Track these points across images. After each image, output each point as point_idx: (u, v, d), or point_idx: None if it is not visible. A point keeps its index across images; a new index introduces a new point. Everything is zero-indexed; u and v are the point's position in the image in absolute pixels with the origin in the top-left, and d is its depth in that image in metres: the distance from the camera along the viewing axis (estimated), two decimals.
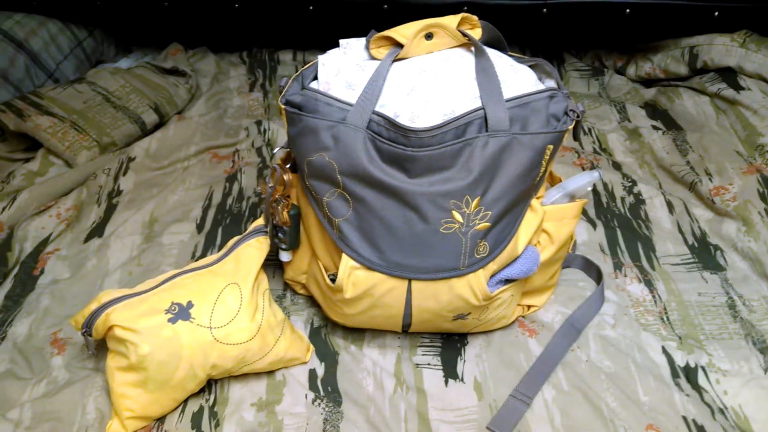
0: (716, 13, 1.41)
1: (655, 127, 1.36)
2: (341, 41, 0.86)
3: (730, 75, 1.38)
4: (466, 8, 1.43)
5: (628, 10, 1.41)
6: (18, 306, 0.99)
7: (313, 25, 1.55)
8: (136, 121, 1.38)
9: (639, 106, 1.46)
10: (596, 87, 1.56)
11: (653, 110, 1.43)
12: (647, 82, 1.55)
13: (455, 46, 0.83)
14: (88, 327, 0.80)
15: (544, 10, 1.43)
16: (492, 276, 0.83)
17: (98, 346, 0.88)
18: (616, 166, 1.27)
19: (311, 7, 1.51)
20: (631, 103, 1.47)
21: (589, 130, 1.39)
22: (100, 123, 1.34)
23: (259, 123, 1.43)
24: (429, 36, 0.81)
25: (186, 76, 1.57)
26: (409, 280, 0.79)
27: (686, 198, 1.18)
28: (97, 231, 1.14)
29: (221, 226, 1.14)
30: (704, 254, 1.05)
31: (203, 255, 1.08)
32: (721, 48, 1.40)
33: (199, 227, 1.14)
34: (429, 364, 0.88)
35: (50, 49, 1.57)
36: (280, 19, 1.57)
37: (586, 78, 1.58)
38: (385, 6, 1.46)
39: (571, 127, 0.81)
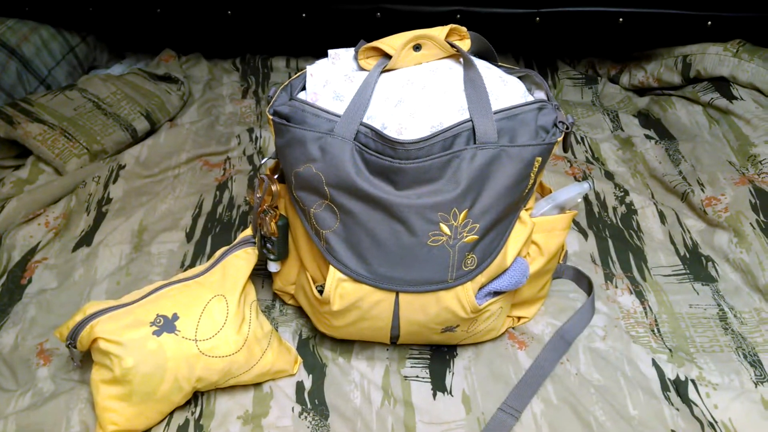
0: (709, 23, 1.41)
1: (647, 137, 1.36)
2: (330, 51, 0.85)
3: (723, 84, 1.38)
4: (458, 16, 1.43)
5: (621, 19, 1.41)
6: (5, 316, 0.99)
7: (307, 33, 1.55)
8: (126, 129, 1.38)
9: (632, 115, 1.46)
10: (590, 95, 1.56)
11: (646, 119, 1.43)
12: (640, 90, 1.55)
13: (444, 58, 0.82)
14: (72, 339, 0.79)
15: (537, 18, 1.43)
16: (480, 288, 0.82)
17: (84, 358, 0.87)
18: (609, 175, 1.27)
19: (304, 15, 1.50)
20: (624, 112, 1.47)
21: (582, 138, 1.38)
22: (91, 130, 1.33)
23: (251, 131, 1.42)
24: (417, 47, 0.80)
25: (178, 83, 1.56)
26: (397, 293, 0.79)
27: (678, 208, 1.17)
28: (86, 240, 1.13)
29: (211, 235, 1.13)
30: (696, 265, 1.05)
31: (192, 264, 1.07)
32: (714, 57, 1.40)
33: (189, 236, 1.13)
34: (417, 376, 0.87)
35: (42, 55, 1.56)
36: (274, 26, 1.57)
37: (579, 86, 1.58)
38: (378, 14, 1.45)
39: (560, 139, 0.81)
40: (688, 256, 1.07)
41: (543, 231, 0.87)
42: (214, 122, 1.48)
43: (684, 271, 1.04)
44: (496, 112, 0.77)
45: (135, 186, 1.27)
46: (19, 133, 1.27)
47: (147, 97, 1.46)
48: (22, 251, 1.10)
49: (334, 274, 0.79)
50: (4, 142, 1.32)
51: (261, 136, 1.40)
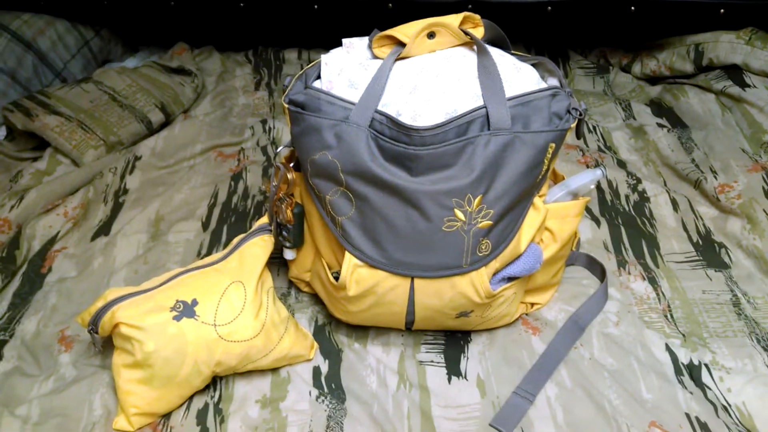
0: (722, 11, 1.40)
1: (660, 125, 1.36)
2: (344, 40, 0.86)
3: (735, 72, 1.38)
4: (470, 6, 1.43)
5: (632, 8, 1.41)
6: (26, 304, 1.00)
7: (319, 24, 1.56)
8: (142, 120, 1.39)
9: (644, 104, 1.46)
10: (601, 85, 1.56)
11: (658, 108, 1.43)
12: (653, 79, 1.55)
13: (457, 45, 0.83)
14: (94, 324, 0.81)
15: (549, 8, 1.43)
16: (495, 274, 0.83)
17: (105, 344, 0.89)
18: (621, 164, 1.27)
19: (316, 6, 1.51)
20: (636, 101, 1.47)
21: (594, 128, 1.39)
22: (107, 122, 1.35)
23: (264, 122, 1.43)
24: (431, 35, 0.81)
25: (192, 75, 1.58)
26: (412, 278, 0.80)
27: (691, 196, 1.17)
28: (104, 229, 1.15)
29: (226, 224, 1.15)
30: (709, 252, 1.05)
31: (209, 253, 1.09)
32: (727, 45, 1.40)
33: (205, 225, 1.15)
34: (432, 361, 0.88)
35: (58, 48, 1.58)
36: (286, 18, 1.58)
37: (591, 75, 1.58)
38: (390, 5, 1.46)
39: (573, 125, 0.81)
40: (701, 242, 1.07)
41: (556, 217, 0.88)
42: (228, 114, 1.49)
43: (697, 258, 1.04)
44: (509, 99, 0.77)
45: (151, 177, 1.28)
46: (37, 125, 1.29)
47: (161, 90, 1.48)
48: (41, 241, 1.12)
49: (350, 260, 0.80)
50: (22, 134, 1.34)
51: (274, 127, 1.42)
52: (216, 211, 1.19)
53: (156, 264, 1.06)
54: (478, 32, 0.84)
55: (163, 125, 1.44)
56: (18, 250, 1.10)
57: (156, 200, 1.21)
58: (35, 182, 1.24)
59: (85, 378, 0.86)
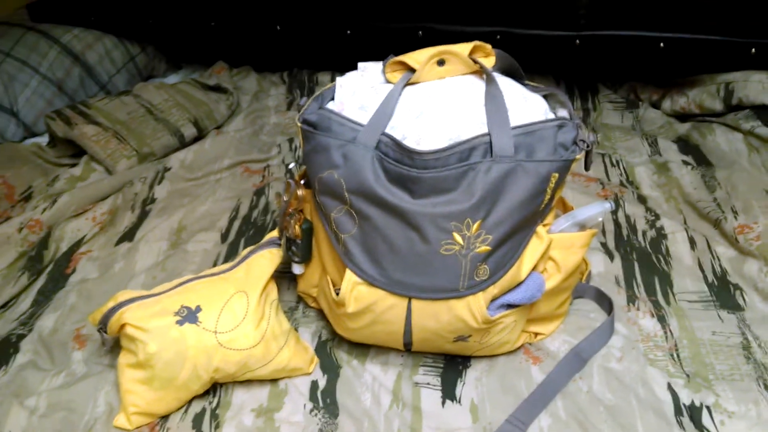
0: (753, 50, 1.39)
1: (685, 162, 1.35)
2: (360, 64, 0.89)
3: (765, 112, 1.35)
4: (498, 37, 1.45)
5: (662, 44, 1.40)
6: (48, 301, 1.05)
7: (351, 49, 1.60)
8: (175, 134, 1.45)
9: (671, 141, 1.44)
10: (630, 119, 1.55)
11: (685, 145, 1.42)
12: (682, 116, 1.54)
13: (467, 73, 0.85)
14: (103, 324, 0.84)
15: (577, 41, 1.44)
16: (494, 300, 0.84)
17: (115, 344, 0.92)
18: (641, 199, 1.26)
19: (349, 32, 1.56)
20: (663, 138, 1.46)
21: (618, 162, 1.38)
22: (142, 134, 1.41)
23: (291, 140, 1.47)
24: (441, 62, 0.83)
25: (227, 93, 1.64)
26: (410, 299, 0.81)
27: (710, 235, 1.15)
28: (128, 235, 1.19)
29: (244, 237, 1.18)
30: (723, 293, 1.03)
31: (224, 263, 1.12)
32: (757, 85, 1.38)
33: (224, 237, 1.19)
34: (428, 383, 0.89)
35: (104, 62, 1.67)
36: (320, 42, 1.63)
37: (619, 110, 1.57)
38: (420, 33, 1.49)
39: (579, 156, 0.82)
40: (716, 283, 1.05)
41: (561, 248, 0.88)
42: (258, 131, 1.54)
43: (710, 298, 1.02)
44: (514, 128, 0.78)
45: (178, 188, 1.33)
46: (75, 134, 1.36)
47: (196, 106, 1.54)
48: (69, 243, 1.18)
49: (350, 277, 0.82)
50: (62, 142, 1.41)
51: (300, 146, 1.45)
52: (236, 224, 1.22)
53: (173, 271, 1.10)
54: (489, 61, 0.86)
55: (196, 139, 1.49)
56: (46, 250, 1.15)
57: (180, 210, 1.25)
58: (69, 187, 1.30)
59: (93, 375, 0.90)
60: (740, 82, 1.41)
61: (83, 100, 1.51)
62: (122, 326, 0.82)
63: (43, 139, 1.49)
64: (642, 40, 1.41)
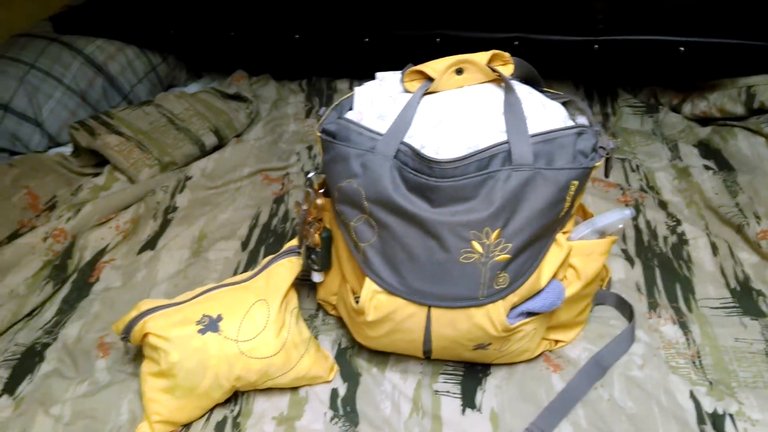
0: None
1: (706, 167, 1.33)
2: (377, 74, 0.90)
3: None
4: (516, 43, 1.45)
5: (681, 48, 1.39)
6: (72, 310, 1.07)
7: (369, 57, 1.61)
8: (196, 143, 1.47)
9: (692, 145, 1.43)
10: (650, 124, 1.54)
11: (706, 149, 1.40)
12: (703, 120, 1.52)
13: (485, 82, 0.85)
14: (126, 333, 0.85)
15: (596, 46, 1.43)
16: (513, 308, 0.84)
17: (138, 353, 0.94)
18: (662, 204, 1.25)
19: (367, 40, 1.56)
20: (684, 142, 1.44)
21: (638, 167, 1.37)
22: (163, 143, 1.43)
23: (310, 148, 1.48)
24: (459, 71, 0.83)
25: (247, 102, 1.65)
26: (429, 307, 0.81)
27: (733, 240, 1.14)
28: (151, 244, 1.21)
29: (264, 245, 1.19)
30: (746, 299, 1.02)
31: (245, 271, 1.13)
32: None
33: (244, 245, 1.20)
34: (448, 391, 0.89)
35: (126, 73, 1.69)
36: (338, 50, 1.64)
37: (639, 114, 1.56)
38: (438, 40, 1.50)
39: (599, 163, 0.82)
40: (738, 289, 1.04)
41: (581, 255, 0.88)
42: (278, 139, 1.55)
43: (733, 304, 1.01)
44: (533, 135, 0.78)
45: (199, 196, 1.35)
46: (98, 144, 1.38)
47: (217, 114, 1.55)
48: (93, 251, 1.19)
49: (369, 286, 0.82)
50: (86, 151, 1.43)
51: (320, 154, 1.46)
52: (256, 232, 1.23)
53: (194, 280, 1.11)
54: (508, 69, 0.86)
55: (216, 148, 1.51)
56: (70, 259, 1.17)
57: (201, 218, 1.27)
58: (92, 196, 1.32)
59: (117, 384, 0.91)
60: (762, 86, 1.39)
61: (106, 110, 1.54)
62: (145, 335, 0.83)
63: (67, 149, 1.52)
64: (661, 45, 1.40)
